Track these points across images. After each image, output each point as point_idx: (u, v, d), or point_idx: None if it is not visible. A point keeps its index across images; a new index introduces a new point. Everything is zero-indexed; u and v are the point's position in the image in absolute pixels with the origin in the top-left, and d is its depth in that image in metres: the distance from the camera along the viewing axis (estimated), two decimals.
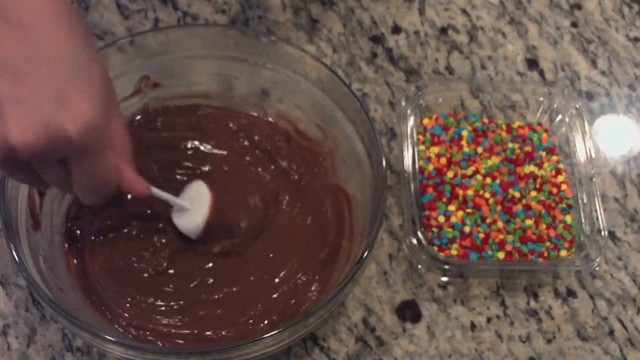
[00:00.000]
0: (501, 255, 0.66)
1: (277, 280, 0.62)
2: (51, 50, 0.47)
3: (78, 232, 0.63)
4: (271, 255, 0.63)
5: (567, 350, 0.65)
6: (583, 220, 0.68)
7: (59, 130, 0.47)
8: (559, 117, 0.73)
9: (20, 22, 0.47)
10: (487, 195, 0.69)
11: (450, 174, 0.70)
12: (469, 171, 0.70)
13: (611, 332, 0.66)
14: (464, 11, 0.82)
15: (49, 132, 0.46)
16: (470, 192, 0.69)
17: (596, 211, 0.68)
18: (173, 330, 0.59)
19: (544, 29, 0.81)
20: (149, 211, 0.64)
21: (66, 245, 0.62)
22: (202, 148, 0.67)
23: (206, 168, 0.66)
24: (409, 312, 0.66)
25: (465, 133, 0.72)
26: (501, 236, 0.67)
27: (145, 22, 0.78)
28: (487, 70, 0.78)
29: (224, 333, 0.59)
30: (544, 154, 0.72)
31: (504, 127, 0.73)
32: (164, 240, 0.63)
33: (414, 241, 0.65)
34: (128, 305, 0.60)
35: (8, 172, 0.52)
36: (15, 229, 0.56)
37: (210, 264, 0.62)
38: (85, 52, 0.49)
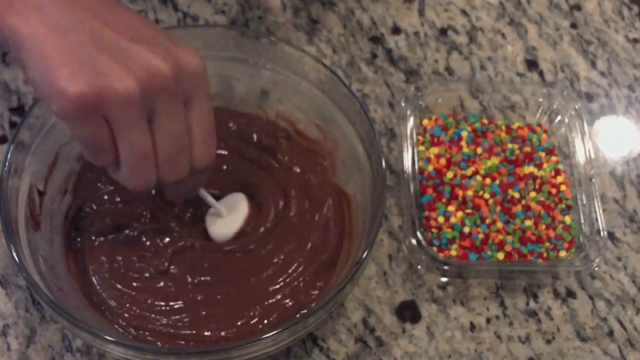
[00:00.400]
0: (500, 255, 0.66)
1: (277, 281, 0.62)
2: (148, 23, 0.52)
3: (78, 232, 0.63)
4: (274, 257, 0.62)
5: (567, 351, 0.65)
6: (582, 221, 0.68)
7: (186, 58, 0.51)
8: (559, 117, 0.73)
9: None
10: (486, 195, 0.69)
11: (449, 175, 0.70)
12: (469, 172, 0.70)
13: (610, 333, 0.66)
14: (463, 12, 0.82)
15: (179, 61, 0.50)
16: (469, 193, 0.69)
17: (595, 212, 0.68)
18: (173, 331, 0.59)
19: (543, 29, 0.81)
20: (148, 212, 0.64)
21: (66, 246, 0.62)
22: None
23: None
24: (408, 312, 0.66)
25: (464, 134, 0.72)
26: (500, 237, 0.67)
27: None
28: (487, 71, 0.78)
29: (223, 333, 0.59)
30: (543, 154, 0.72)
31: (503, 127, 0.73)
32: (165, 241, 0.63)
33: (414, 242, 0.65)
34: (128, 305, 0.60)
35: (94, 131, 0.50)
36: (15, 229, 0.56)
37: (211, 265, 0.62)
38: None
